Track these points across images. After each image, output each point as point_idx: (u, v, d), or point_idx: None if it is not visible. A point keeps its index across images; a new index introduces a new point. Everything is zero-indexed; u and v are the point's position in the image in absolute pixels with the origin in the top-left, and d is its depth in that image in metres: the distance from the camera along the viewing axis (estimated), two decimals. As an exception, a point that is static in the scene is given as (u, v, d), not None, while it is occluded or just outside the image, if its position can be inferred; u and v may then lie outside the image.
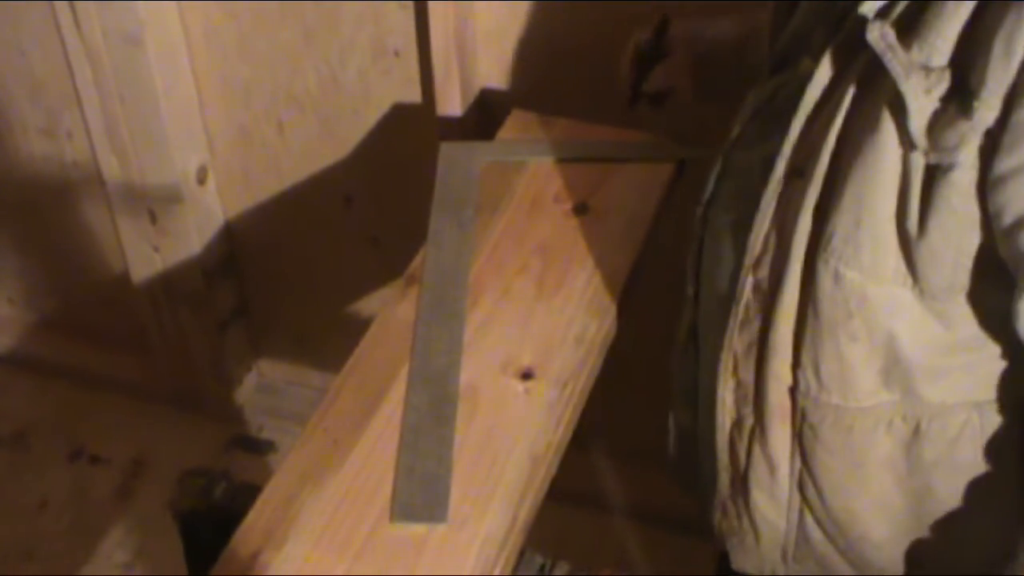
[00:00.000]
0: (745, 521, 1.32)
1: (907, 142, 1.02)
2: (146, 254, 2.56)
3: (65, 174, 2.60)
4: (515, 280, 1.62)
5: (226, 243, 2.61)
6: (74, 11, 2.20)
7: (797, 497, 1.26)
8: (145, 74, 2.26)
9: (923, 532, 1.24)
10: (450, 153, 1.88)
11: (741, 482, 1.29)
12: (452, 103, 2.07)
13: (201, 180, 2.46)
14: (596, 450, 2.42)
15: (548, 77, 2.06)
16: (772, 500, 1.28)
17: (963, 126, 0.98)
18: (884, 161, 1.05)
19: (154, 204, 2.45)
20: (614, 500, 2.47)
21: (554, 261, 1.66)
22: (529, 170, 1.84)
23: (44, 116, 2.51)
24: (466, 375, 1.48)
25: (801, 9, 1.26)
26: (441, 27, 1.98)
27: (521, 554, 1.41)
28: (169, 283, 2.59)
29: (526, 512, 1.34)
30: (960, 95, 0.99)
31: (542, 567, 1.55)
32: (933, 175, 1.02)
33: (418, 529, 1.30)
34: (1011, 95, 0.96)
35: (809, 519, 1.27)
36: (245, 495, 1.46)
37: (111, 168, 2.43)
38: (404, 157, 2.26)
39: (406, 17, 2.08)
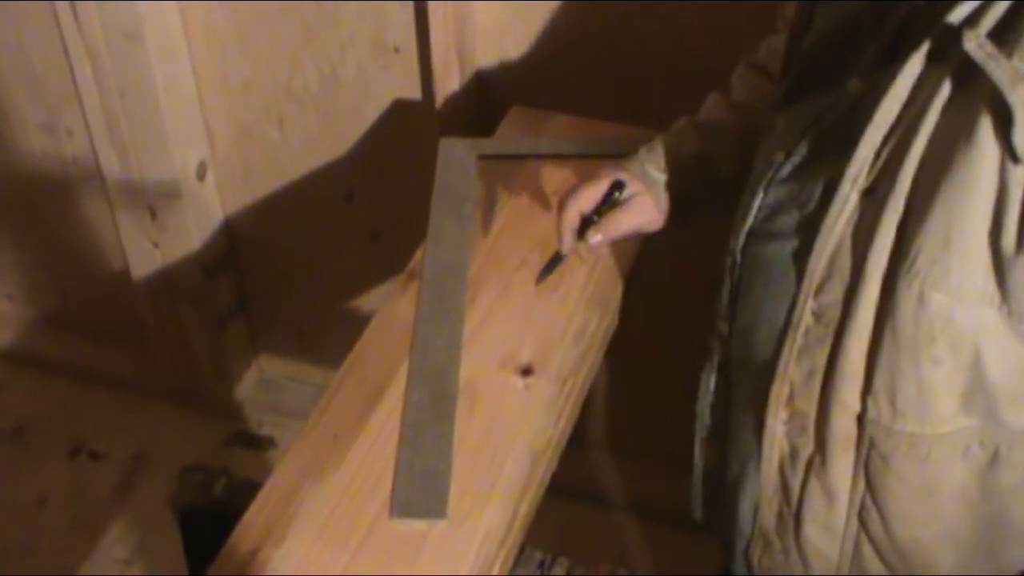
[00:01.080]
0: (793, 554, 1.29)
1: (1009, 155, 0.98)
2: (146, 250, 2.56)
3: (65, 170, 2.60)
4: (515, 276, 1.62)
5: (226, 239, 2.61)
6: (74, 8, 2.20)
7: (855, 527, 1.23)
8: (145, 70, 2.26)
9: (991, 559, 1.21)
10: (450, 149, 1.88)
11: (793, 515, 1.26)
12: (452, 99, 2.07)
13: (201, 176, 2.46)
14: (596, 446, 2.42)
15: (548, 73, 2.06)
16: (827, 532, 1.25)
17: None
18: (979, 176, 1.01)
19: (154, 200, 2.45)
20: (614, 496, 2.47)
21: (553, 257, 1.66)
22: (529, 166, 1.84)
23: (44, 112, 2.51)
24: (466, 371, 1.48)
25: (830, 25, 1.23)
26: (441, 23, 1.98)
27: (521, 550, 1.42)
28: (169, 279, 2.59)
29: (526, 508, 1.34)
30: None
31: (542, 563, 1.56)
32: None
33: (418, 525, 1.30)
34: None
35: (867, 550, 1.24)
36: (245, 491, 1.46)
37: (111, 164, 2.43)
38: (404, 153, 2.26)
39: (406, 13, 2.08)
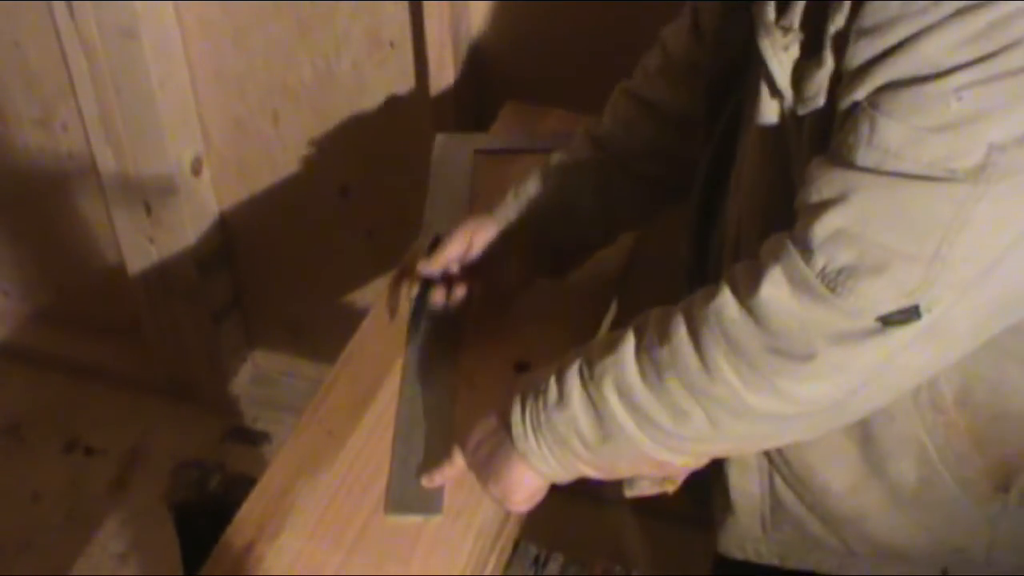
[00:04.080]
0: (721, 500, 1.34)
1: (771, 92, 1.09)
2: (141, 245, 2.56)
3: (60, 166, 2.60)
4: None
5: (221, 234, 2.61)
6: (70, 4, 2.19)
7: (764, 460, 1.27)
8: (140, 66, 2.25)
9: (879, 476, 1.23)
10: (445, 144, 1.88)
11: (715, 460, 1.29)
12: (447, 94, 2.07)
13: (196, 171, 2.46)
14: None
15: (543, 68, 2.06)
16: (744, 469, 1.29)
17: (820, 75, 1.03)
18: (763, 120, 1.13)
19: (149, 195, 2.45)
20: (609, 491, 2.47)
21: (549, 253, 1.65)
22: (523, 161, 1.84)
23: (39, 107, 2.51)
24: (461, 366, 1.48)
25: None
26: (436, 18, 1.98)
27: (516, 545, 1.42)
28: (164, 274, 2.59)
29: (521, 504, 1.34)
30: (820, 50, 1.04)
31: (536, 558, 1.56)
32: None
33: (413, 521, 1.30)
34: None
35: (779, 481, 1.28)
36: (240, 486, 1.46)
37: (106, 160, 2.43)
38: (399, 148, 2.26)
39: (401, 8, 2.08)
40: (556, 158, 1.53)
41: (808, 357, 1.01)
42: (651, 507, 2.19)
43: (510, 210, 1.51)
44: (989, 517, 1.23)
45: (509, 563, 1.42)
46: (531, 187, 1.51)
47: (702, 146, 1.35)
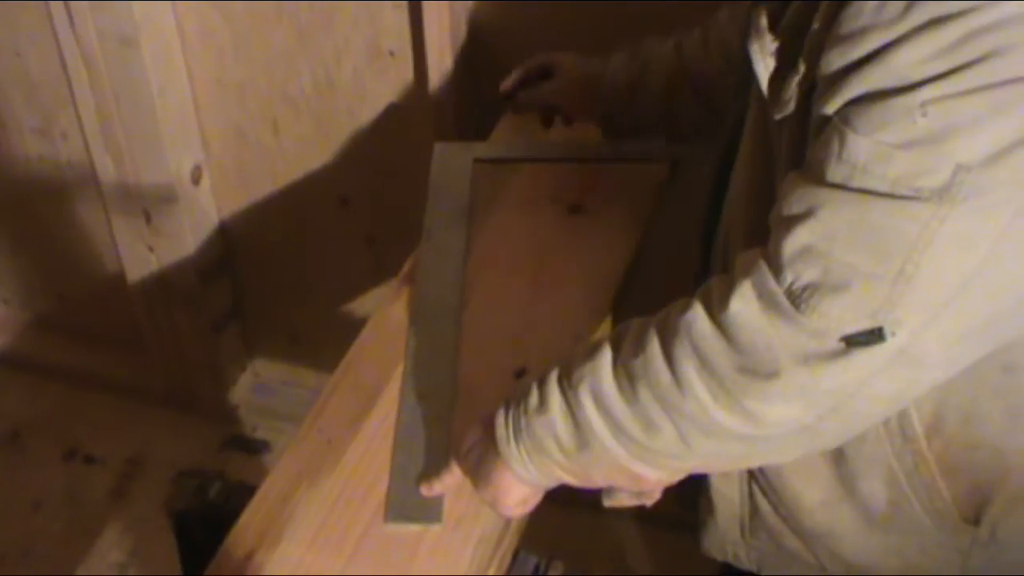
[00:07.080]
0: (704, 501, 1.35)
1: (761, 99, 1.10)
2: (141, 254, 2.56)
3: (60, 174, 2.60)
4: (509, 280, 1.62)
5: (221, 243, 2.61)
6: (69, 12, 2.20)
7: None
8: (140, 75, 2.26)
9: (851, 499, 1.23)
10: (444, 153, 1.88)
11: None
12: (446, 103, 2.07)
13: (196, 180, 2.46)
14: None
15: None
16: (726, 473, 1.30)
17: (793, 80, 1.04)
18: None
19: (149, 204, 2.45)
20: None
21: (548, 261, 1.66)
22: (523, 170, 1.84)
23: (39, 116, 2.51)
24: (461, 375, 1.48)
25: None
26: (436, 27, 1.98)
27: (516, 554, 1.41)
28: (164, 283, 2.59)
29: (520, 512, 1.34)
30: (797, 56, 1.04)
31: (537, 567, 1.55)
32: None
33: (413, 529, 1.30)
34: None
35: (756, 489, 1.28)
36: (240, 495, 1.46)
37: (106, 168, 2.43)
38: (399, 157, 2.26)
39: (401, 17, 2.08)
40: (646, 44, 1.69)
41: (772, 376, 1.00)
42: (654, 515, 2.18)
43: (593, 66, 1.73)
44: (960, 550, 1.22)
45: (509, 572, 1.41)
46: (617, 60, 1.70)
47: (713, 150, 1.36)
